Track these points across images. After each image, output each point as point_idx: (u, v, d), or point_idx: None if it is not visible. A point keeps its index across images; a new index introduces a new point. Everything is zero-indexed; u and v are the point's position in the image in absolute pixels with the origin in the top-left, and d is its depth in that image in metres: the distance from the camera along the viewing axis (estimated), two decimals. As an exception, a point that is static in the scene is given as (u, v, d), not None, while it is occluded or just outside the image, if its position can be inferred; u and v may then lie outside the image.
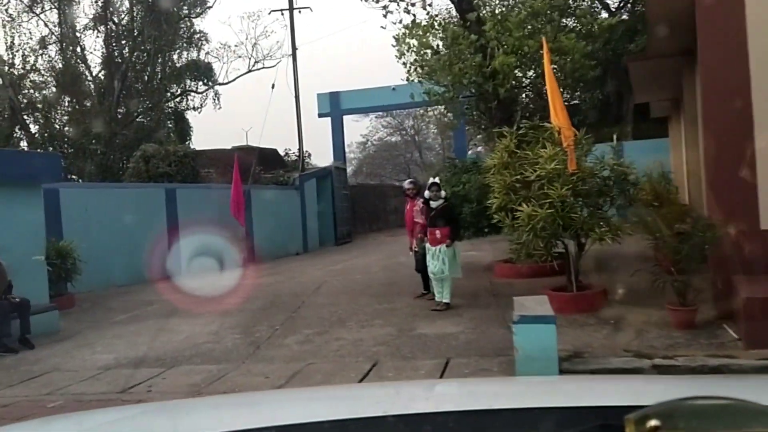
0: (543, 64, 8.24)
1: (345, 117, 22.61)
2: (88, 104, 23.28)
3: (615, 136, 10.39)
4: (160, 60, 22.85)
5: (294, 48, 19.69)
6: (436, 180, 8.38)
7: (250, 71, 23.21)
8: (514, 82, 8.55)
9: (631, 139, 16.33)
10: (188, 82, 23.86)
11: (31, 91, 23.88)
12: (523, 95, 11.01)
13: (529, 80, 8.72)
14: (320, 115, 21.84)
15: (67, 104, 23.36)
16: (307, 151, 20.35)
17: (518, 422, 1.16)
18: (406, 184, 9.07)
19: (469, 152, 21.02)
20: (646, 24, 9.77)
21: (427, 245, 7.89)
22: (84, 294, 10.41)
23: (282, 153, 20.49)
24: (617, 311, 6.71)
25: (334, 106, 21.65)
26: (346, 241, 20.90)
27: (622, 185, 7.21)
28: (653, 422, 0.84)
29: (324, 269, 12.84)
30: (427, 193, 8.09)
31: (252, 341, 6.81)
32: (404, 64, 11.37)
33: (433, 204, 7.97)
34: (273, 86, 17.68)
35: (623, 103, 17.44)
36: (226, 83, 23.34)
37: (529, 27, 9.02)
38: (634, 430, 0.85)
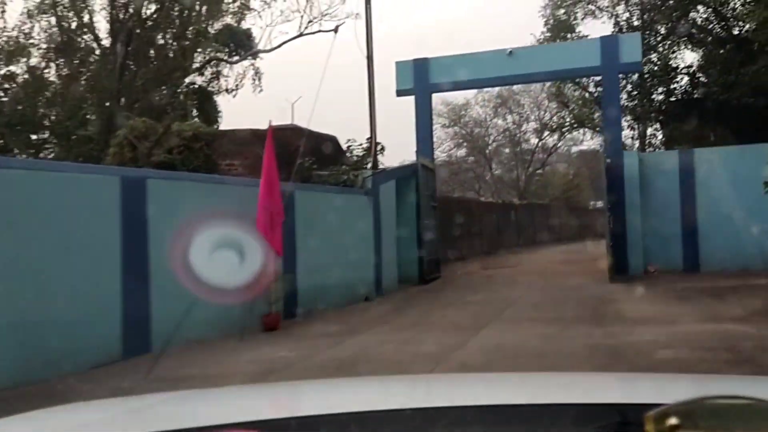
0: None
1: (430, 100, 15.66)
2: (83, 81, 17.22)
3: None
4: (178, 18, 16.64)
5: (368, -14, 13.09)
6: None
7: (301, 35, 16.69)
8: None
9: None
10: (214, 52, 17.53)
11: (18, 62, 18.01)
12: None
13: None
14: (399, 93, 15.03)
15: (53, 79, 17.36)
16: (379, 143, 13.60)
17: (536, 418, 1.11)
18: None
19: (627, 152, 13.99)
20: None
21: None
22: None
23: (344, 145, 13.86)
24: None
25: (420, 80, 14.85)
26: (435, 277, 13.98)
27: None
28: (673, 420, 0.82)
29: (447, 354, 5.90)
30: None
31: None
32: None
33: None
34: (336, 30, 11.16)
35: None
36: (268, 50, 16.82)
37: None
38: (654, 428, 0.82)
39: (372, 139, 13.30)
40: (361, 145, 13.73)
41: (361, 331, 7.46)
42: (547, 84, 28.31)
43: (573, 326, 7.39)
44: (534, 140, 40.58)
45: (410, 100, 15.26)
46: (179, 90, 16.57)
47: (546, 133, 37.56)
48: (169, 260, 7.01)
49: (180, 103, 16.38)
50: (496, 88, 36.04)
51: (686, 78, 16.51)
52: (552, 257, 20.89)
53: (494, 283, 13.37)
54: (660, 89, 16.76)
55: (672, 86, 16.57)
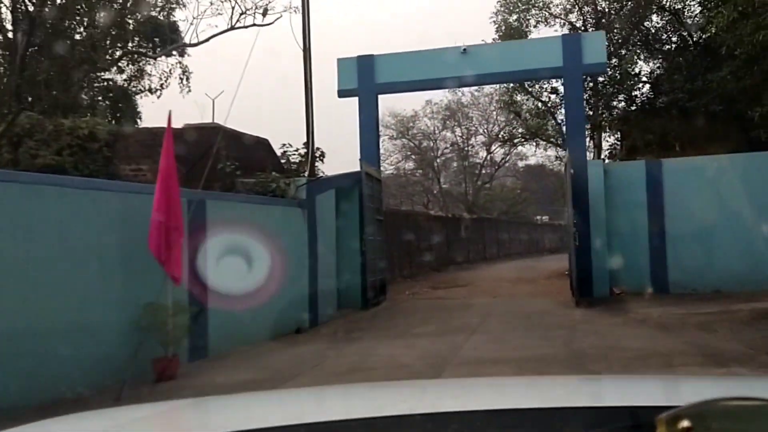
0: None
1: (376, 101, 14.07)
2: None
3: None
4: (90, 6, 14.63)
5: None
6: None
7: (233, 28, 14.92)
8: None
9: None
10: (135, 47, 15.55)
11: None
12: None
13: None
14: (342, 94, 13.44)
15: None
16: (319, 149, 11.98)
17: (547, 421, 1.10)
18: None
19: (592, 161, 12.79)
20: None
21: None
22: None
23: (278, 150, 12.16)
24: None
25: (365, 79, 13.30)
26: (380, 300, 12.39)
27: None
28: (685, 423, 0.80)
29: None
30: None
31: None
32: None
33: None
34: (265, 14, 9.53)
35: None
36: (195, 44, 14.98)
37: None
38: (666, 431, 0.80)
39: (309, 142, 11.64)
40: (297, 150, 12.06)
41: (282, 380, 5.78)
42: (497, 95, 27.32)
43: (547, 370, 5.91)
44: (482, 154, 39.82)
45: (355, 103, 13.68)
46: (89, 87, 14.54)
47: (495, 146, 36.73)
48: (20, 291, 5.20)
49: (90, 100, 14.34)
50: (445, 100, 34.97)
51: (648, 86, 15.57)
52: (505, 275, 19.59)
53: (446, 308, 11.86)
54: (620, 97, 15.77)
55: (633, 93, 15.60)
